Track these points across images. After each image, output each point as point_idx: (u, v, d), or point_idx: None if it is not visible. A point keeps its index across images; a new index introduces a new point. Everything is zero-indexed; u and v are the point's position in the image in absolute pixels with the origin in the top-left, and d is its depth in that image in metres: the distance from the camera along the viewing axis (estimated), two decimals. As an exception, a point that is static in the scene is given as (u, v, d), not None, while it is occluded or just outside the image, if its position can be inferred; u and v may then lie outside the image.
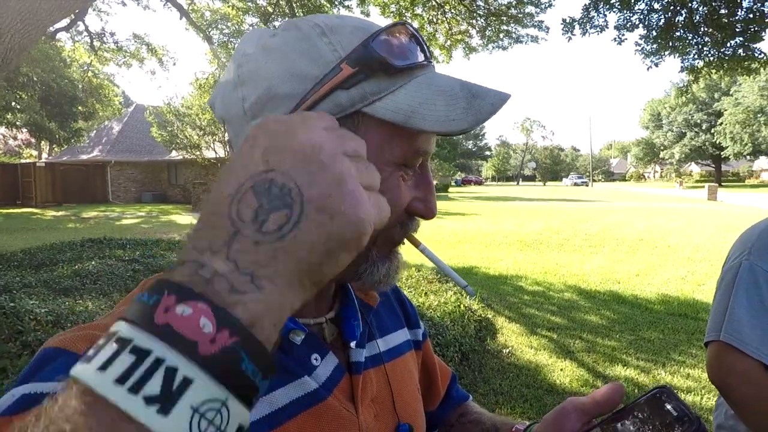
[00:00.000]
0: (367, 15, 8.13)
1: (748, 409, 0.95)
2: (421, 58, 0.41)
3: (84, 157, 23.70)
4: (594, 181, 63.60)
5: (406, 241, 0.46)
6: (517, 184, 69.03)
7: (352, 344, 0.48)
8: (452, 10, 7.89)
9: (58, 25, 6.77)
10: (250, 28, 8.70)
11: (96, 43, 9.18)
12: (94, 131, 26.59)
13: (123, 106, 20.83)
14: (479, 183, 63.63)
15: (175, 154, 21.39)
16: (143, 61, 9.99)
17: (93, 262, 5.81)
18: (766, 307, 0.95)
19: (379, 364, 0.51)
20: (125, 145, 24.35)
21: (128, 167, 23.81)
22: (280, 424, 0.40)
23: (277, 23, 8.55)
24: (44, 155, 34.45)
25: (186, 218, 14.59)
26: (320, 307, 0.48)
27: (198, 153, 18.97)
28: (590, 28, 6.64)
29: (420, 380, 0.60)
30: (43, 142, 30.90)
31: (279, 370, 0.37)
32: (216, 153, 19.05)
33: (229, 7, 8.35)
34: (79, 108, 16.12)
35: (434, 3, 7.85)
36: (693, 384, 3.11)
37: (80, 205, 20.14)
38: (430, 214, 0.44)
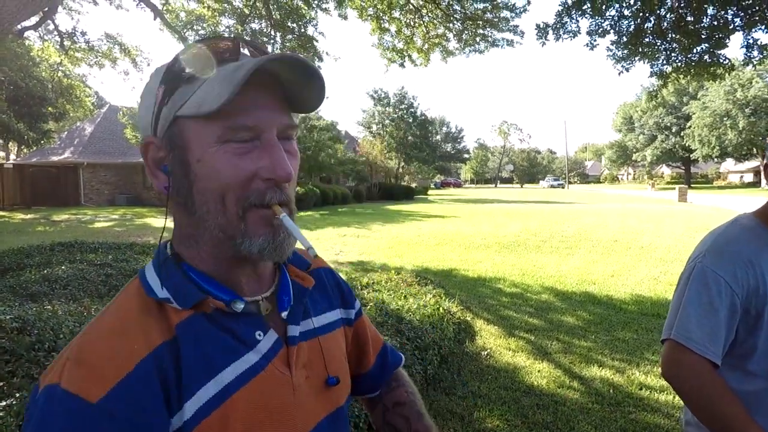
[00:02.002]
0: (345, 18, 8.12)
1: (695, 403, 1.00)
2: (220, 58, 0.50)
3: (55, 158, 22.87)
4: (570, 183, 65.03)
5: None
6: (496, 186, 70.00)
7: (283, 314, 0.58)
8: (429, 14, 7.95)
9: (26, 24, 6.52)
10: (226, 29, 8.57)
11: (66, 43, 8.86)
12: (66, 132, 25.72)
13: (95, 107, 20.21)
14: (458, 185, 64.26)
15: (150, 157, 20.88)
16: (116, 61, 9.69)
17: (63, 267, 5.59)
18: (714, 307, 1.00)
19: (313, 337, 0.61)
20: (98, 147, 23.62)
21: (101, 169, 23.10)
22: (230, 395, 0.49)
23: (254, 25, 8.45)
24: (12, 156, 33.13)
25: (161, 221, 14.24)
26: (259, 287, 0.58)
27: (174, 155, 18.63)
28: (563, 33, 6.77)
29: (351, 350, 0.72)
30: (11, 144, 29.71)
31: (226, 350, 0.50)
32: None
33: (204, 8, 8.21)
34: (49, 109, 15.57)
35: (411, 6, 7.89)
36: (666, 383, 3.19)
37: (51, 208, 19.42)
38: (276, 173, 0.50)
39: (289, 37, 8.30)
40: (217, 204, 0.50)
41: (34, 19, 6.90)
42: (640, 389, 3.13)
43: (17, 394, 2.25)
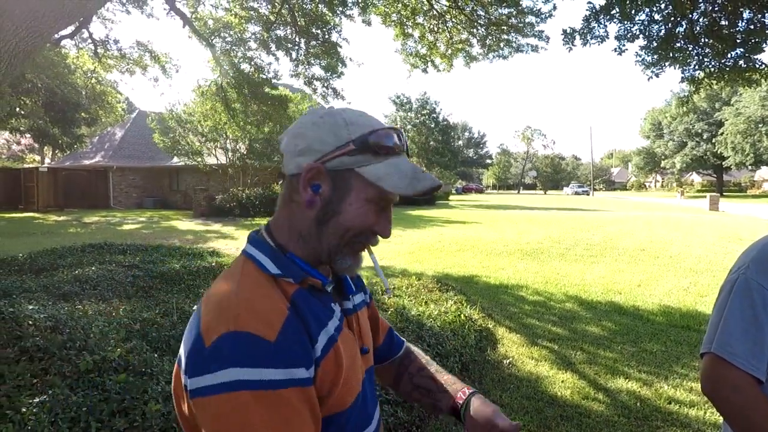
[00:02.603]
0: (369, 24, 8.19)
1: (737, 421, 0.96)
2: (396, 149, 0.71)
3: (86, 162, 23.79)
4: (595, 190, 63.57)
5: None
6: (518, 192, 69.00)
7: (351, 296, 0.82)
8: (453, 20, 7.94)
9: (63, 33, 6.82)
10: (252, 36, 8.75)
11: (100, 50, 9.23)
12: (97, 137, 26.74)
13: (126, 113, 20.93)
14: (480, 191, 63.65)
15: (176, 161, 21.47)
16: (146, 68, 10.03)
17: (93, 268, 5.78)
18: (759, 321, 0.95)
19: (355, 312, 0.82)
20: (127, 151, 24.45)
21: (130, 173, 23.89)
22: (335, 341, 0.70)
23: (279, 31, 8.60)
24: (47, 160, 34.59)
25: (186, 224, 14.59)
26: (327, 273, 0.77)
27: (199, 159, 19.03)
28: (591, 38, 6.65)
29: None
30: (46, 148, 31.05)
31: (323, 313, 0.70)
32: (217, 159, 19.11)
33: (231, 15, 8.42)
34: (83, 114, 16.22)
35: (435, 12, 7.90)
36: (696, 398, 3.07)
37: (82, 210, 20.17)
38: (384, 234, 0.73)
39: (313, 43, 8.43)
40: (340, 235, 0.70)
41: (70, 29, 7.23)
42: (669, 403, 3.02)
43: (50, 391, 2.32)
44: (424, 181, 0.69)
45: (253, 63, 9.22)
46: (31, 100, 14.09)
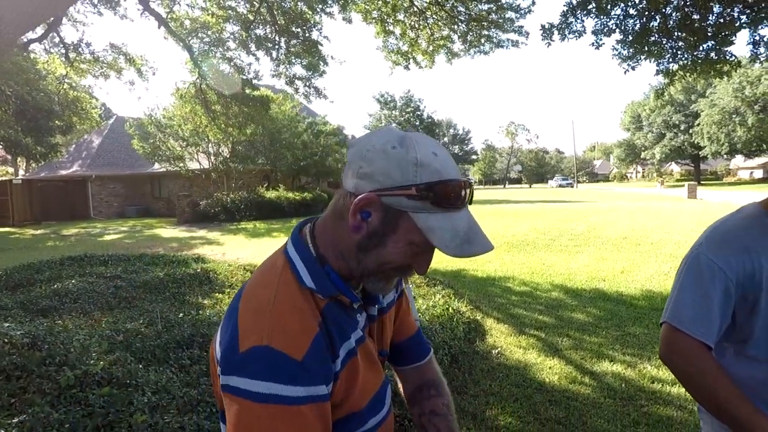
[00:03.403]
0: (350, 22, 8.17)
1: (690, 384, 1.02)
2: (458, 204, 0.69)
3: (63, 172, 23.20)
4: (578, 182, 64.55)
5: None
6: (504, 187, 69.66)
7: (376, 306, 0.85)
8: (434, 16, 7.98)
9: (30, 36, 6.63)
10: (231, 36, 8.65)
11: (72, 55, 8.99)
12: (73, 145, 26.08)
13: (102, 119, 20.47)
14: (466, 187, 63.74)
15: (157, 167, 21.10)
16: (121, 71, 9.80)
17: (73, 281, 5.64)
18: (707, 292, 1.02)
19: (380, 316, 0.86)
20: (106, 159, 23.93)
21: (110, 181, 23.38)
22: (355, 353, 0.75)
23: (258, 31, 8.52)
24: (20, 172, 33.63)
25: (170, 231, 14.36)
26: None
27: (181, 165, 18.73)
28: (569, 33, 6.74)
29: (394, 320, 0.97)
30: (19, 159, 30.17)
31: (348, 326, 0.75)
32: (200, 164, 18.84)
33: (208, 15, 8.30)
34: (56, 122, 15.78)
35: (415, 9, 7.93)
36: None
37: (60, 223, 19.69)
38: (420, 272, 0.75)
39: (294, 42, 8.36)
40: (378, 265, 0.72)
41: (39, 31, 7.04)
42: (652, 383, 3.09)
43: (30, 410, 2.25)
44: (475, 245, 0.69)
45: (232, 63, 9.11)
46: (0, 109, 13.68)
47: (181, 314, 4.23)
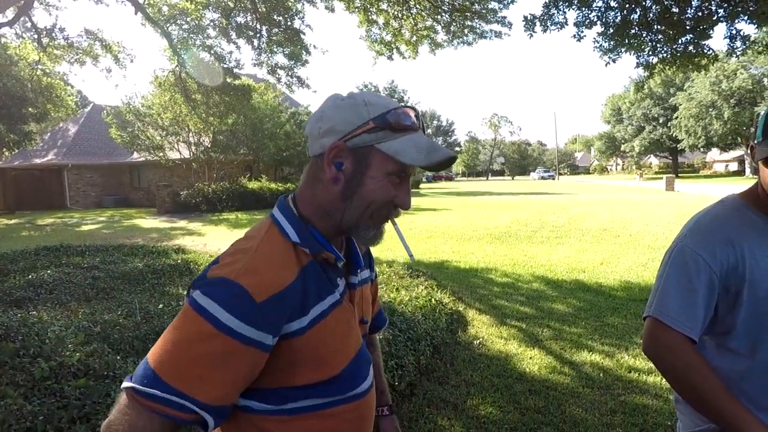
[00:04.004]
0: (332, 10, 8.05)
1: (675, 378, 1.02)
2: (413, 126, 0.76)
3: (38, 161, 22.46)
4: (560, 174, 65.50)
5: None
6: (487, 179, 70.25)
7: (359, 271, 0.88)
8: (417, 6, 7.91)
9: (0, 20, 6.34)
10: (211, 23, 8.43)
11: (45, 40, 8.63)
12: (49, 133, 25.25)
13: (79, 107, 19.83)
14: (450, 179, 64.34)
15: (136, 156, 20.61)
16: (97, 58, 9.46)
17: (48, 271, 5.49)
18: (693, 285, 1.01)
19: (360, 286, 0.89)
20: (83, 148, 23.24)
21: (87, 171, 22.74)
22: (328, 314, 0.76)
23: (239, 18, 8.32)
24: (-7, 160, 32.41)
25: (150, 222, 14.07)
26: (339, 249, 0.84)
27: (161, 154, 18.32)
28: (551, 24, 6.76)
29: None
30: (-9, 146, 29.04)
31: (326, 287, 0.77)
32: (180, 153, 18.45)
33: (187, 1, 8.06)
34: (30, 109, 15.23)
35: (399, -1, 7.84)
36: (653, 366, 3.23)
37: (35, 212, 19.10)
38: (404, 205, 0.79)
39: (276, 30, 8.20)
40: (363, 207, 0.76)
41: (9, 15, 6.73)
42: (629, 372, 3.17)
43: (2, 402, 2.20)
44: (439, 152, 0.75)
45: (213, 52, 8.89)
46: (-30, 95, 13.10)
47: (161, 305, 4.17)
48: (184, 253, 7.58)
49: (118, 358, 2.89)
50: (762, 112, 0.99)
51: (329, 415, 0.78)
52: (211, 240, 9.49)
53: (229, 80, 9.12)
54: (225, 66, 8.84)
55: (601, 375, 3.14)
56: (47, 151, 23.39)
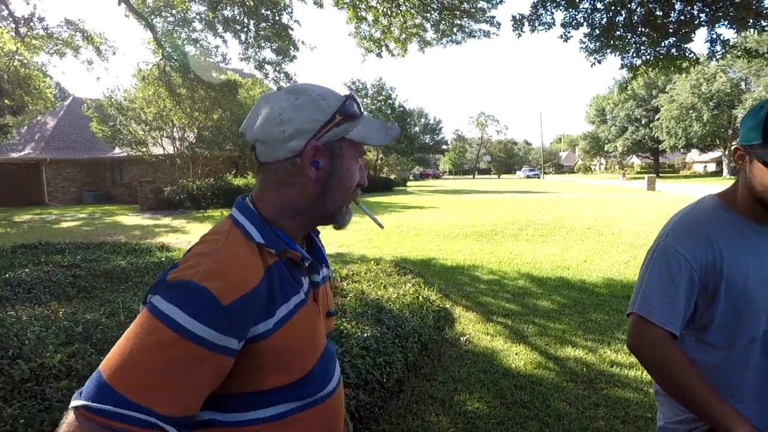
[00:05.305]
0: (321, 6, 7.99)
1: (656, 372, 1.07)
2: (361, 110, 0.81)
3: (14, 155, 21.81)
4: (545, 173, 66.33)
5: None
6: (474, 177, 70.75)
7: (320, 271, 0.88)
8: (406, 3, 7.90)
9: (-24, 9, 6.13)
10: (197, 16, 8.29)
11: (22, 29, 8.37)
12: (26, 127, 24.49)
13: (58, 99, 19.31)
14: (437, 177, 64.65)
15: (118, 151, 20.17)
16: (78, 49, 9.20)
17: (27, 270, 5.35)
18: (674, 283, 1.05)
19: (323, 284, 0.89)
20: (62, 142, 22.64)
21: (66, 166, 22.17)
22: (294, 314, 0.75)
23: (226, 12, 8.20)
24: (-32, 153, 31.33)
25: (133, 219, 13.81)
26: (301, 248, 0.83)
27: (144, 149, 17.97)
28: (538, 25, 6.83)
29: None
30: (-35, 139, 28.07)
31: (291, 287, 0.76)
32: (164, 149, 18.14)
33: (173, -7, 7.91)
34: (6, 101, 14.76)
35: (388, -5, 7.81)
36: (635, 360, 3.31)
37: (12, 209, 18.57)
38: (365, 183, 0.84)
39: (263, 25, 8.10)
40: (343, 195, 0.80)
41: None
42: (611, 366, 3.24)
43: (-20, 406, 2.14)
44: (391, 130, 0.82)
45: (198, 45, 8.74)
46: (-57, 85, 12.62)
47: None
48: (169, 250, 7.46)
49: (101, 358, 2.83)
50: (762, 113, 0.99)
51: (298, 420, 0.76)
52: (195, 238, 9.36)
53: (215, 75, 8.99)
54: (211, 60, 8.71)
55: (585, 370, 3.20)
56: (24, 145, 22.72)
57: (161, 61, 8.92)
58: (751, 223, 1.07)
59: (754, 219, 1.07)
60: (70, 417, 0.62)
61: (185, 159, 18.14)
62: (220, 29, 8.25)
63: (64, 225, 12.59)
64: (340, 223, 0.83)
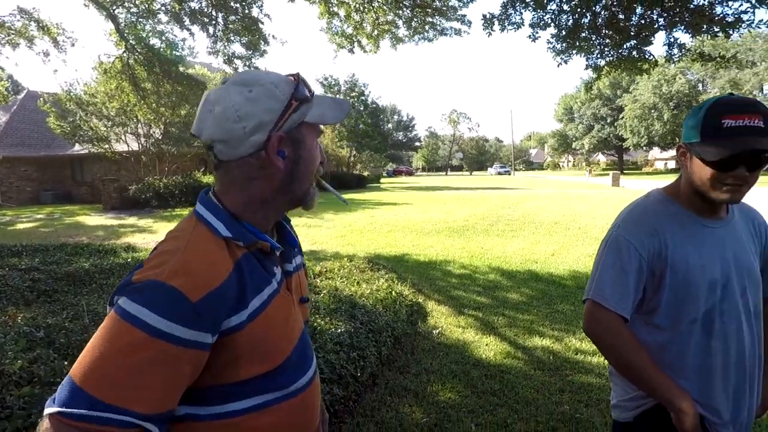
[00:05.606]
0: (292, 0, 7.87)
1: (611, 353, 1.16)
2: (311, 90, 0.80)
3: (-36, 151, 20.50)
4: (516, 170, 67.82)
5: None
6: (446, 173, 71.51)
7: (293, 259, 0.88)
8: (378, 0, 7.91)
9: None
10: (162, 7, 8.02)
11: (-29, 18, 7.89)
12: (-24, 122, 23.07)
13: (10, 93, 18.26)
14: (410, 173, 64.99)
15: (79, 148, 19.28)
16: (33, 40, 8.73)
17: (-21, 273, 5.06)
18: (625, 270, 1.14)
19: (296, 272, 0.89)
20: (15, 138, 21.43)
21: (21, 164, 21.01)
22: (268, 304, 0.76)
23: (193, 4, 7.96)
24: None
25: (96, 219, 13.26)
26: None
27: (107, 146, 17.25)
28: (508, 24, 6.97)
29: None
30: None
31: (263, 278, 0.76)
32: (128, 146, 17.47)
33: (136, -17, 7.63)
34: (-46, 94, 13.85)
35: (360, -8, 7.79)
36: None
37: (-38, 207, 17.46)
38: (324, 160, 0.85)
39: (232, 18, 7.92)
40: (309, 177, 0.81)
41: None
42: (576, 354, 3.38)
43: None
44: (344, 104, 0.83)
45: (164, 38, 8.46)
46: None
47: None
48: (135, 251, 7.23)
49: (66, 363, 2.74)
50: (701, 113, 1.06)
51: (275, 411, 0.76)
52: (162, 237, 9.05)
53: (182, 69, 8.73)
54: (177, 54, 8.45)
55: (551, 358, 3.33)
56: (-25, 141, 21.40)
57: (124, 54, 8.58)
58: (691, 214, 1.16)
59: (694, 211, 1.16)
60: (44, 425, 0.61)
61: (151, 156, 17.54)
62: (187, 21, 8.01)
63: (20, 226, 11.97)
64: (308, 204, 0.83)
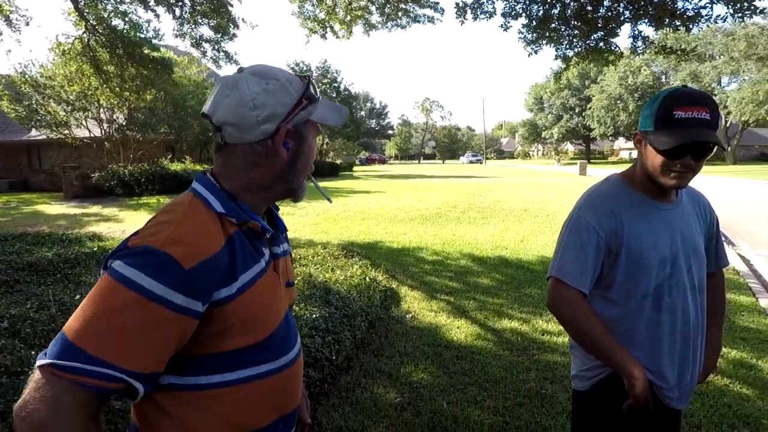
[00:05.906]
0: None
1: (570, 327, 1.26)
2: (318, 94, 0.86)
3: None
4: (487, 158, 68.85)
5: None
6: (419, 162, 71.88)
7: (280, 244, 0.94)
8: (351, -15, 7.79)
9: None
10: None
11: None
12: None
13: (-41, 74, 17.04)
14: (383, 162, 64.94)
15: (36, 134, 18.26)
16: (-17, 18, 8.21)
17: (-69, 266, 4.79)
18: (585, 249, 1.23)
19: (283, 256, 0.94)
20: (-34, 122, 20.10)
21: (-27, 149, 19.75)
22: (256, 281, 0.79)
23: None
24: None
25: (57, 207, 12.69)
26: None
27: (66, 132, 16.42)
28: (480, 13, 7.03)
29: None
30: None
31: (252, 256, 0.81)
32: (90, 131, 16.70)
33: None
34: None
35: (332, -24, 7.66)
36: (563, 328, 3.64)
37: None
38: (315, 158, 1.06)
39: (201, 0, 7.66)
40: (305, 171, 0.87)
41: None
42: (542, 335, 3.55)
43: None
44: (342, 109, 0.91)
45: (127, 19, 8.09)
46: None
47: (77, 296, 3.87)
48: (101, 240, 6.99)
49: (33, 353, 2.70)
50: (656, 104, 1.15)
51: (258, 386, 0.79)
52: (130, 226, 8.80)
53: (146, 51, 8.38)
54: (141, 35, 8.10)
55: (519, 339, 3.48)
56: None
57: (84, 35, 8.16)
58: (645, 197, 1.26)
59: (647, 194, 1.26)
60: (36, 375, 0.63)
61: (115, 142, 16.83)
62: (152, 2, 7.69)
63: (-26, 215, 11.31)
64: (299, 196, 0.90)
